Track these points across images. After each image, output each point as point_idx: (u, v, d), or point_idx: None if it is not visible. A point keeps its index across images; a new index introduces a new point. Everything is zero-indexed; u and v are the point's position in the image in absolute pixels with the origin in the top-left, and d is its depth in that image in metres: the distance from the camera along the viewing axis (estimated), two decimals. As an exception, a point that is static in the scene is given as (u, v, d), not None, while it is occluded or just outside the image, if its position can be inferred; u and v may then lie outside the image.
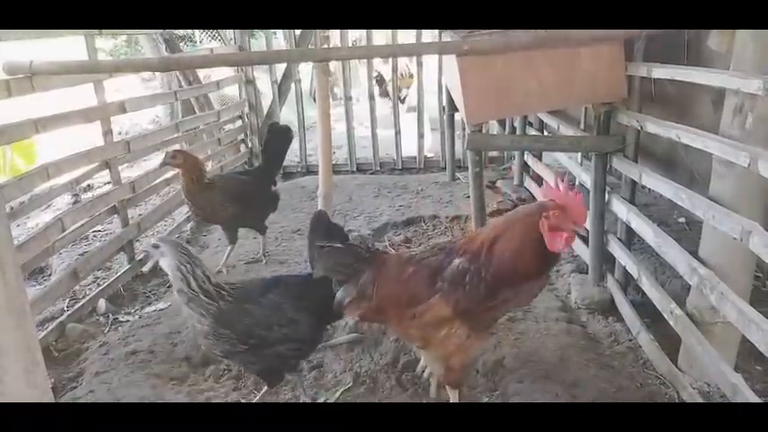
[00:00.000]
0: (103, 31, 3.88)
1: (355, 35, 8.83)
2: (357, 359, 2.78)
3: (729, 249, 2.31)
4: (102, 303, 3.56)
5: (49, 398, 1.60)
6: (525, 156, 5.03)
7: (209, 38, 10.68)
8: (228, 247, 3.90)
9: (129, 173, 5.36)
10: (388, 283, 2.20)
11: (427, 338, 2.17)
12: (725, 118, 2.31)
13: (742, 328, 1.93)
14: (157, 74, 7.27)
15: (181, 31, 9.58)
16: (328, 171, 3.60)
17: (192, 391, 2.63)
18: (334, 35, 6.36)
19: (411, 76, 8.34)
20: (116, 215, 3.96)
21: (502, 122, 5.25)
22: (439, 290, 2.09)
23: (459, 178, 5.71)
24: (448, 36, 3.83)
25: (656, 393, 2.50)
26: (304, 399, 2.51)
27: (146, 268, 4.04)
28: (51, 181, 3.30)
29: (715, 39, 2.72)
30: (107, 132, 3.83)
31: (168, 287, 3.68)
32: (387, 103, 8.03)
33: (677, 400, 2.45)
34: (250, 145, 6.32)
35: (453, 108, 5.18)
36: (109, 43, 11.34)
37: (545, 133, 4.69)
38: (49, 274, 4.15)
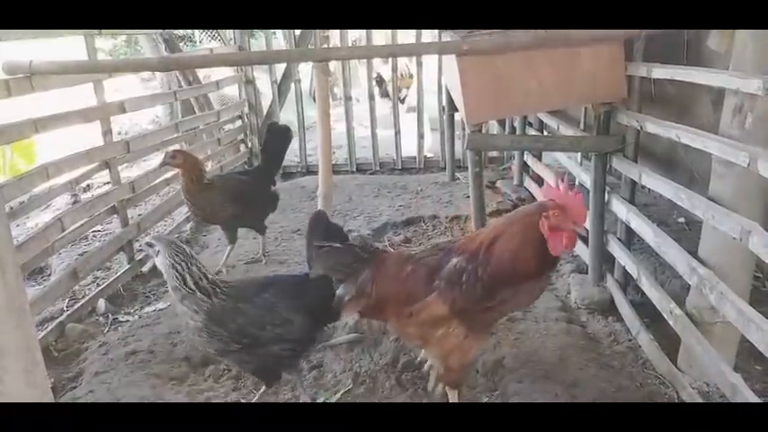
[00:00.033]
0: (103, 31, 3.88)
1: (355, 35, 8.82)
2: (357, 359, 2.78)
3: (729, 249, 2.31)
4: (101, 303, 3.56)
5: (48, 398, 1.60)
6: (525, 156, 5.03)
7: (209, 38, 10.68)
8: (228, 247, 3.90)
9: (128, 173, 5.36)
10: (386, 281, 2.20)
11: (425, 337, 2.18)
12: (724, 118, 2.31)
13: (741, 328, 1.93)
14: (157, 74, 7.28)
15: (180, 31, 9.58)
16: (328, 171, 3.60)
17: (191, 391, 2.63)
18: (334, 35, 6.35)
19: (411, 76, 8.34)
20: (116, 215, 3.95)
21: (502, 122, 5.25)
22: (436, 288, 2.09)
23: (458, 178, 5.71)
24: (448, 36, 3.83)
25: (655, 393, 2.50)
26: (304, 398, 2.51)
27: (145, 268, 4.04)
28: (51, 181, 3.30)
29: (715, 39, 2.73)
30: (107, 132, 3.83)
31: (168, 287, 3.68)
32: (386, 104, 8.04)
33: (677, 400, 2.45)
34: (250, 145, 6.32)
35: (453, 108, 5.18)
36: (108, 43, 11.34)
37: (545, 133, 4.69)
38: (49, 274, 4.15)
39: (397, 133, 6.35)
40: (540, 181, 4.62)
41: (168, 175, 4.45)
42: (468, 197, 3.65)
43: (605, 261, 3.34)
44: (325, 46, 5.90)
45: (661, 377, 2.59)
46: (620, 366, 2.69)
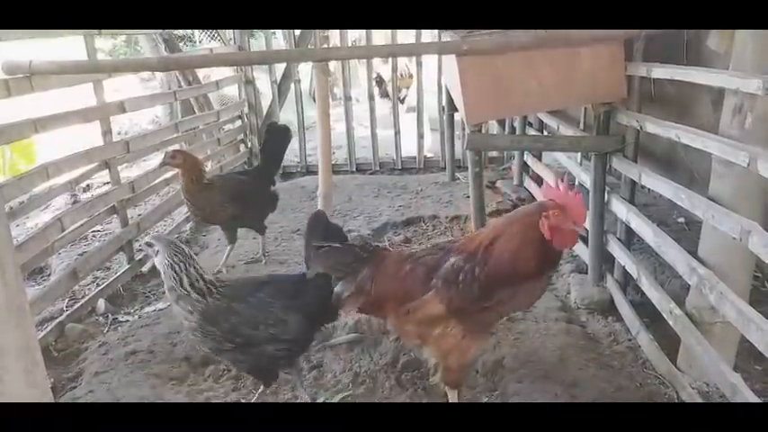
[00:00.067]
0: (103, 31, 3.88)
1: (355, 35, 8.83)
2: (357, 359, 2.78)
3: (729, 249, 2.31)
4: (101, 303, 3.56)
5: (48, 398, 1.60)
6: (525, 156, 5.03)
7: (209, 38, 10.67)
8: (228, 247, 3.90)
9: (128, 173, 5.36)
10: (385, 279, 2.22)
11: (423, 336, 2.18)
12: (724, 118, 2.31)
13: (741, 328, 1.93)
14: (157, 74, 7.27)
15: (180, 31, 9.57)
16: (328, 171, 3.60)
17: (191, 391, 2.63)
18: (334, 35, 6.36)
19: (411, 76, 8.34)
20: (115, 215, 3.95)
21: (501, 122, 5.25)
22: (433, 287, 2.10)
23: (458, 178, 5.71)
24: (447, 36, 3.83)
25: (655, 393, 2.51)
26: (304, 398, 2.51)
27: (145, 268, 4.04)
28: (51, 181, 3.30)
29: (714, 39, 2.72)
30: (106, 132, 3.83)
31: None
32: (386, 104, 8.04)
33: (676, 400, 2.45)
34: (249, 145, 6.32)
35: (453, 108, 5.18)
36: (108, 43, 11.33)
37: (545, 133, 4.69)
38: (49, 274, 4.15)
39: (397, 133, 6.35)
40: (539, 181, 4.62)
41: (168, 175, 4.45)
42: (468, 197, 3.65)
43: (605, 261, 3.34)
44: (325, 46, 5.91)
45: (661, 377, 2.59)
46: (620, 366, 2.69)
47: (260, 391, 2.51)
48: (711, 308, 2.29)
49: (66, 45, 4.25)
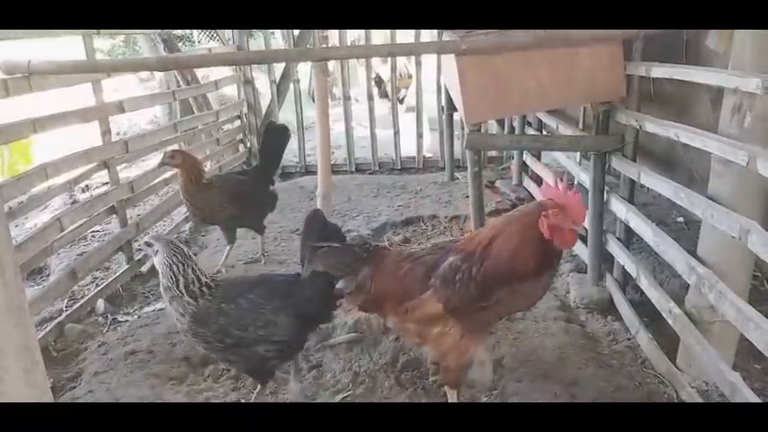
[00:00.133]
0: (102, 31, 3.87)
1: (354, 35, 8.83)
2: (356, 359, 2.78)
3: (728, 248, 2.31)
4: (100, 303, 3.55)
5: (48, 398, 1.60)
6: (524, 155, 5.03)
7: (208, 38, 10.66)
8: (227, 247, 3.90)
9: (127, 173, 5.36)
10: (385, 278, 2.22)
11: (422, 335, 2.19)
12: (723, 117, 2.31)
13: (740, 327, 1.93)
14: (156, 74, 7.27)
15: (179, 31, 9.56)
16: (327, 171, 3.60)
17: (190, 391, 2.63)
18: (333, 35, 6.35)
19: (410, 76, 8.34)
20: (114, 215, 3.95)
21: (501, 122, 5.25)
22: (432, 286, 2.11)
23: (458, 178, 5.71)
24: (447, 36, 3.83)
25: (654, 392, 2.51)
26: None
27: (144, 268, 4.04)
28: (50, 181, 3.29)
29: (714, 38, 2.72)
30: (105, 132, 3.82)
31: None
32: (385, 104, 8.03)
33: (676, 400, 2.45)
34: (249, 145, 6.32)
35: (452, 108, 5.18)
36: (107, 43, 11.33)
37: (544, 133, 4.70)
38: (48, 275, 4.14)
39: (396, 133, 6.35)
40: (539, 180, 4.63)
41: (167, 175, 4.44)
42: (468, 197, 3.65)
43: (604, 260, 3.34)
44: (324, 46, 5.91)
45: (660, 376, 2.60)
46: (620, 365, 2.69)
47: (257, 390, 2.51)
48: (711, 307, 2.29)
49: (65, 45, 4.25)
